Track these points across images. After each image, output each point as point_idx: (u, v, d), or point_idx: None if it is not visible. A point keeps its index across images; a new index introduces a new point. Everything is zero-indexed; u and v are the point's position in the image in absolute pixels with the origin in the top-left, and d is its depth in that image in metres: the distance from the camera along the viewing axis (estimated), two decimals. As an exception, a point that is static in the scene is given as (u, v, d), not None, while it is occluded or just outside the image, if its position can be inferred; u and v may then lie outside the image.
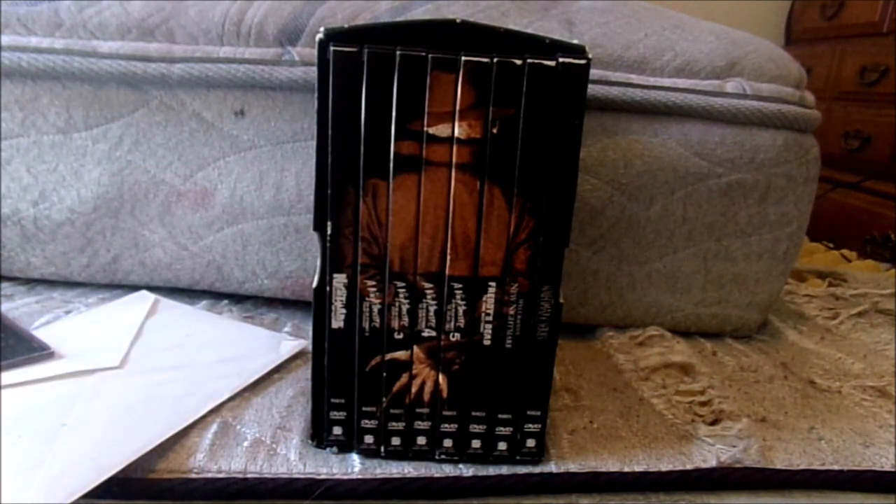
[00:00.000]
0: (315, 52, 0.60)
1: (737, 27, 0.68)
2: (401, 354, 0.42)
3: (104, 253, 0.64)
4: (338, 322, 0.41)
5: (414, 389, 0.43)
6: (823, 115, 0.65)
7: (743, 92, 0.60)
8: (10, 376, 0.48)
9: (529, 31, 0.55)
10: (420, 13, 0.59)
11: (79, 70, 0.57)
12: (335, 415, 0.43)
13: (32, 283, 0.68)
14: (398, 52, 0.36)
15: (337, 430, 0.43)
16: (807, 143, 0.63)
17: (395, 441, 0.43)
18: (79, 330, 0.57)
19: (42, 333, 0.55)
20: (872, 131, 1.38)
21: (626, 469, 0.45)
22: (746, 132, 0.61)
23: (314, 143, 0.61)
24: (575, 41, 0.40)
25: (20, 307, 0.61)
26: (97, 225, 0.62)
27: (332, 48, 0.36)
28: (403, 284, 0.40)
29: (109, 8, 0.58)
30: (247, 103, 0.58)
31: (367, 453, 0.44)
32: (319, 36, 0.37)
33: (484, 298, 0.41)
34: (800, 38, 1.74)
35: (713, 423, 0.52)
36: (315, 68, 0.57)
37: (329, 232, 0.39)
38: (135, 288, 0.67)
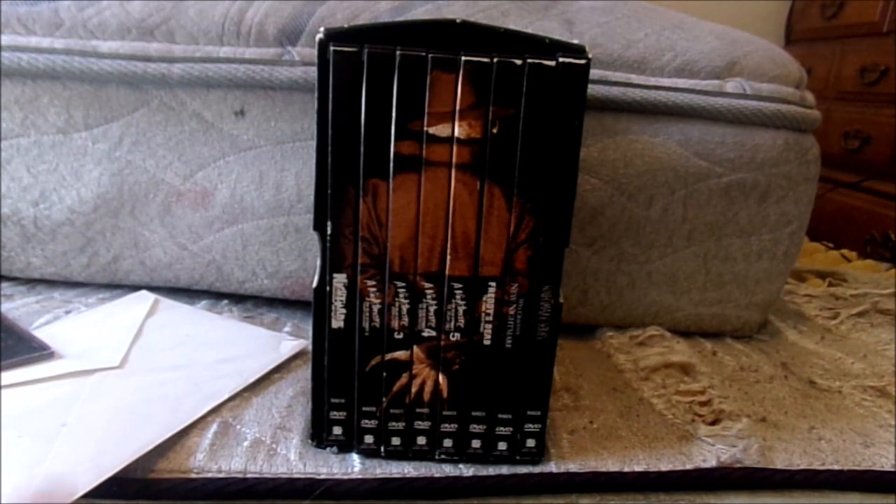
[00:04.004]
0: (315, 51, 0.60)
1: (737, 27, 0.68)
2: (401, 354, 0.42)
3: (104, 253, 0.64)
4: (338, 322, 0.41)
5: (414, 389, 0.43)
6: (823, 115, 0.65)
7: (743, 92, 0.60)
8: (10, 376, 0.48)
9: (529, 31, 0.55)
10: (420, 13, 0.59)
11: (79, 70, 0.57)
12: (335, 414, 0.43)
13: (32, 283, 0.68)
14: (398, 52, 0.36)
15: (337, 430, 0.43)
16: (807, 143, 0.63)
17: (396, 441, 0.43)
18: (79, 330, 0.57)
19: (42, 333, 0.55)
20: (872, 131, 1.38)
21: (626, 469, 0.45)
22: (746, 132, 0.61)
23: (313, 143, 0.61)
24: (575, 41, 0.40)
25: (20, 307, 0.61)
26: (97, 225, 0.62)
27: (332, 48, 0.36)
28: (403, 284, 0.40)
29: (109, 8, 0.58)
30: (247, 103, 0.58)
31: (367, 453, 0.44)
32: (319, 36, 0.37)
33: (484, 298, 0.41)
34: (800, 38, 1.74)
35: (713, 422, 0.52)
36: (314, 68, 0.57)
37: (329, 232, 0.39)
38: (135, 288, 0.67)
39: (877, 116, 1.38)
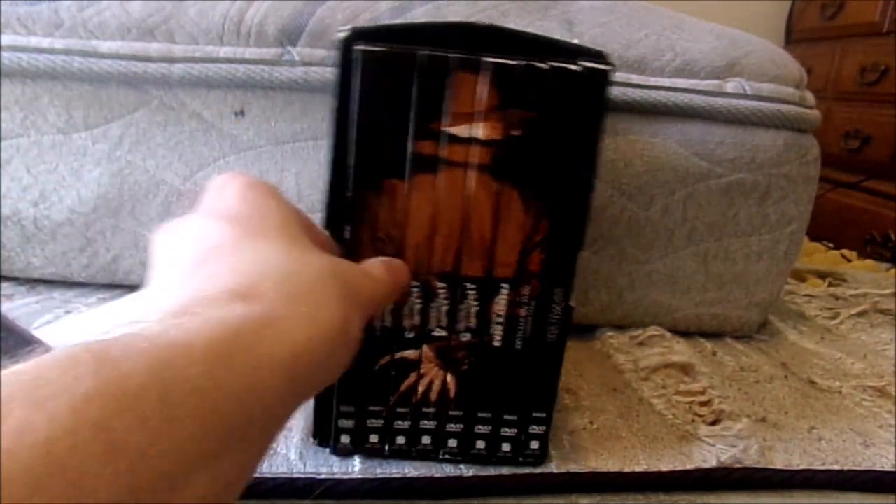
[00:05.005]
0: (315, 51, 0.59)
1: (737, 27, 0.68)
2: (410, 353, 0.41)
3: (104, 253, 0.64)
4: None
5: (421, 389, 0.42)
6: (823, 115, 0.65)
7: (743, 92, 0.60)
8: (10, 376, 0.48)
9: (529, 30, 0.55)
10: (420, 13, 0.59)
11: (79, 70, 0.57)
12: (343, 423, 0.42)
13: (32, 283, 0.68)
14: (421, 53, 0.36)
15: (345, 439, 0.43)
16: (807, 143, 0.63)
17: (400, 440, 0.43)
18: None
19: (42, 333, 0.55)
20: (872, 131, 1.39)
21: (626, 469, 0.45)
22: (746, 132, 0.61)
23: (313, 143, 0.61)
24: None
25: (20, 307, 0.61)
26: (97, 225, 0.62)
27: (360, 48, 0.36)
28: (417, 284, 0.40)
29: (109, 8, 0.58)
30: (247, 103, 0.58)
31: (371, 452, 0.44)
32: (343, 34, 0.36)
33: (496, 299, 0.40)
34: (800, 38, 1.74)
35: (713, 423, 0.52)
36: (314, 68, 0.57)
37: (348, 236, 0.38)
38: (135, 288, 0.66)
39: (877, 116, 1.38)
